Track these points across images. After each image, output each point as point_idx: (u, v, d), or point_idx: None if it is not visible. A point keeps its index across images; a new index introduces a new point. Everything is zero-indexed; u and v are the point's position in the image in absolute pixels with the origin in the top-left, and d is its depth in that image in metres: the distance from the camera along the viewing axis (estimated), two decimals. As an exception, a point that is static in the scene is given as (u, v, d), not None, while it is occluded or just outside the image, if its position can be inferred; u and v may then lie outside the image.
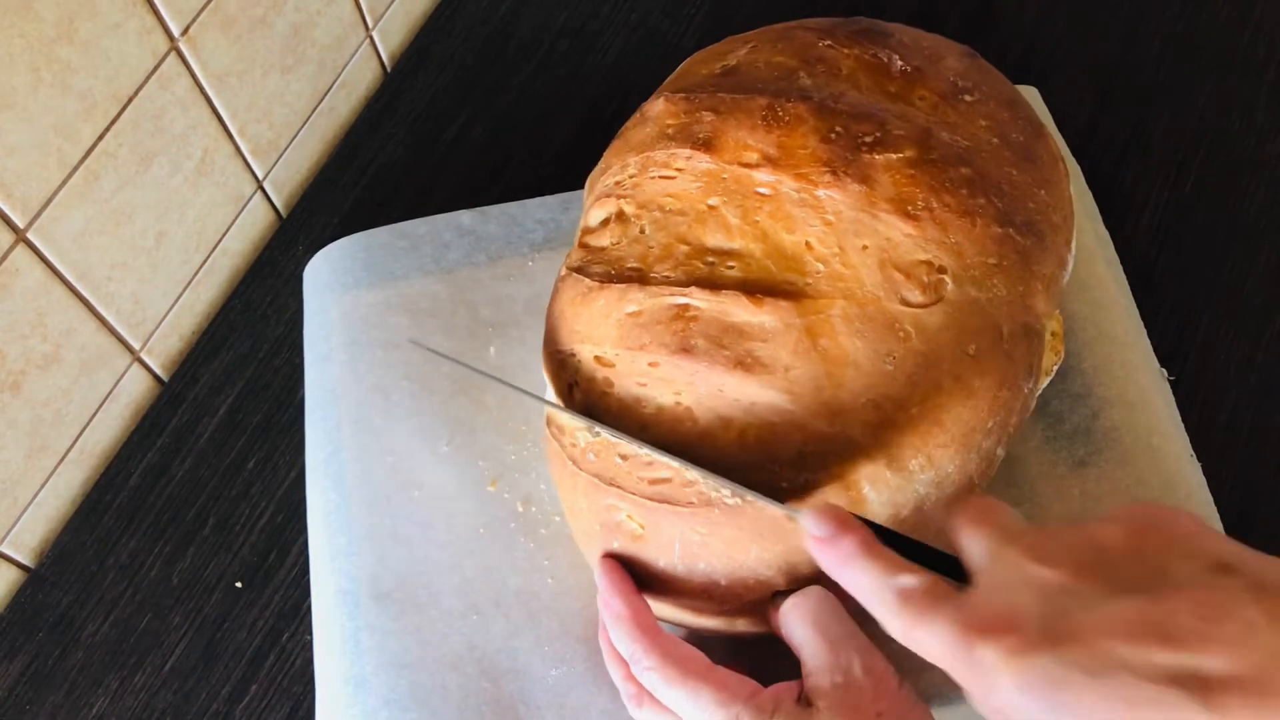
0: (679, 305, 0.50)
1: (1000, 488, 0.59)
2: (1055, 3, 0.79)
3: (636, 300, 0.51)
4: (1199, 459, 0.60)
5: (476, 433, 0.61)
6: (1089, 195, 0.68)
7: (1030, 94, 0.71)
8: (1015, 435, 0.52)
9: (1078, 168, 0.69)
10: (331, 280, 0.66)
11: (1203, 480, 0.59)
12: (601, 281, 0.52)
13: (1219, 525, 0.58)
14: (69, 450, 0.63)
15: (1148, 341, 0.63)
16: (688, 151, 0.53)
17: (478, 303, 0.65)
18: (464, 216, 0.68)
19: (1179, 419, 0.61)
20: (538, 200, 0.68)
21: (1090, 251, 0.65)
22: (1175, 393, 0.62)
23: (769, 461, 0.48)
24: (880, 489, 0.48)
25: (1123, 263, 0.66)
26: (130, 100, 0.58)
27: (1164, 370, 0.63)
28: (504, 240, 0.67)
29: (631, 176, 0.54)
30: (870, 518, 0.48)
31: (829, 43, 0.57)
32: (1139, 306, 0.64)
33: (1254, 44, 0.76)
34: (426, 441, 0.61)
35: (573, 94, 0.76)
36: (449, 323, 0.65)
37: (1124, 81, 0.75)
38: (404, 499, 0.60)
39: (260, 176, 0.70)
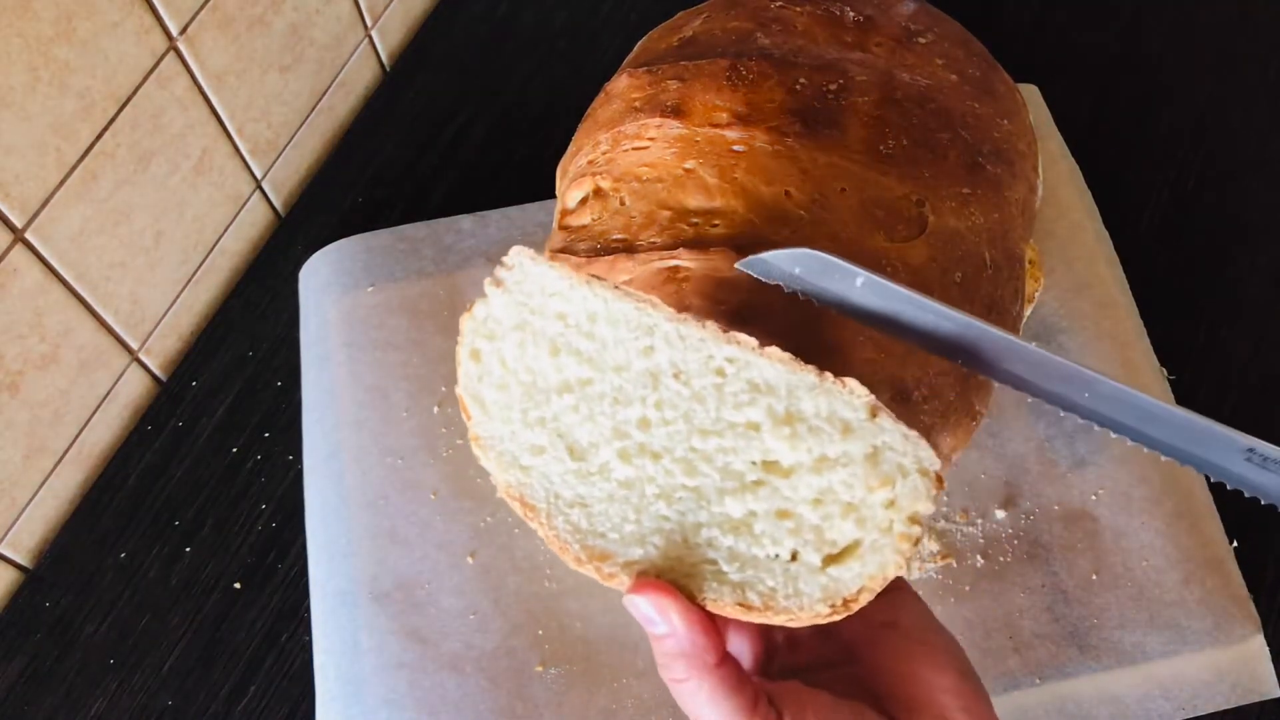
0: (669, 268, 0.50)
1: (1000, 486, 0.59)
2: (1056, 2, 0.79)
3: (626, 269, 0.51)
4: (1199, 459, 0.60)
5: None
6: (1089, 195, 0.68)
7: (1030, 93, 0.71)
8: None
9: (1077, 168, 0.69)
10: (330, 281, 0.66)
11: (1202, 479, 0.59)
12: (589, 256, 0.52)
13: (1218, 525, 0.58)
14: (67, 450, 0.62)
15: (1148, 341, 0.63)
16: (658, 120, 0.53)
17: (477, 303, 0.65)
18: (464, 220, 0.68)
19: (1179, 419, 0.61)
20: (538, 204, 0.69)
21: (1090, 251, 0.65)
22: (1175, 392, 0.62)
23: None
24: None
25: (1123, 263, 0.66)
26: (128, 100, 0.57)
27: (1164, 370, 0.63)
28: (504, 243, 0.67)
29: (604, 153, 0.55)
30: None
31: (781, 3, 0.58)
32: (1139, 306, 0.64)
33: (1254, 44, 0.76)
34: (425, 442, 0.61)
35: (573, 94, 0.76)
36: (449, 324, 0.64)
37: (1124, 81, 0.75)
38: (403, 499, 0.60)
39: (259, 176, 0.70)
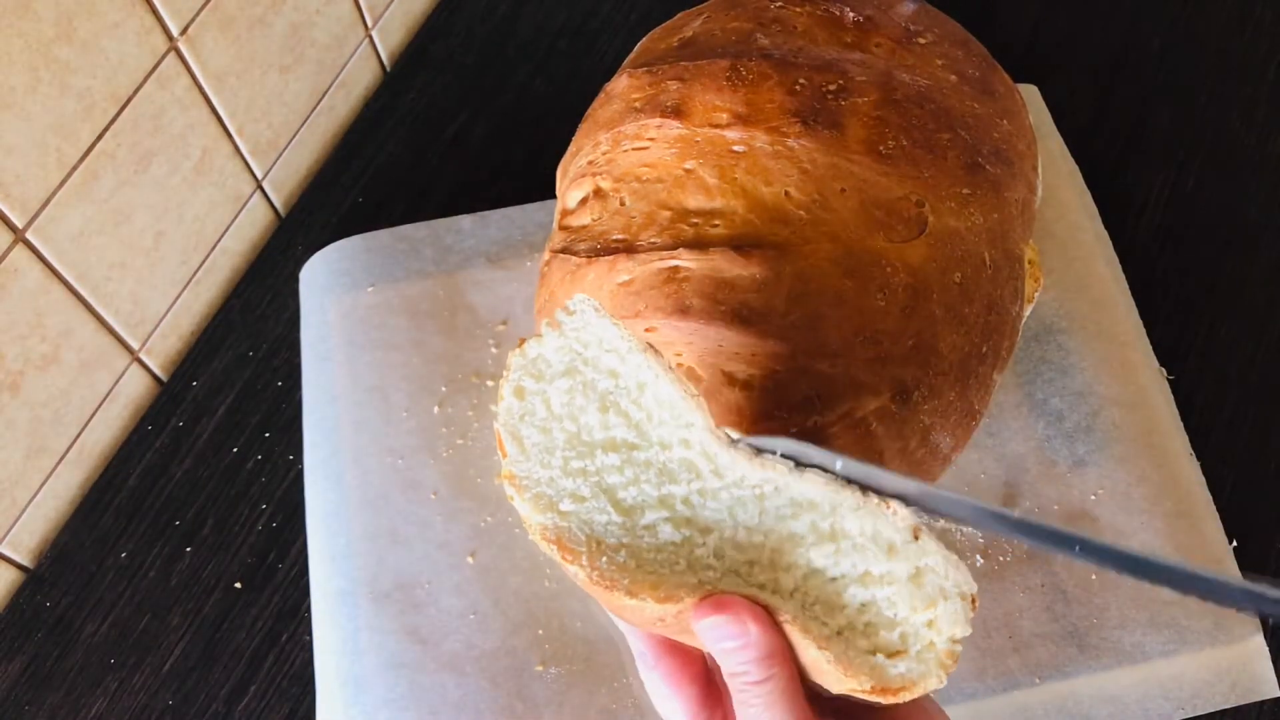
0: (669, 268, 0.50)
1: (1000, 486, 0.59)
2: (1056, 2, 0.79)
3: (626, 269, 0.51)
4: (1199, 459, 0.60)
5: (475, 434, 0.61)
6: (1088, 195, 0.68)
7: (1030, 93, 0.71)
8: (1008, 360, 0.53)
9: (1077, 168, 0.69)
10: (330, 281, 0.66)
11: (1202, 479, 0.59)
12: (589, 256, 0.52)
13: (1218, 525, 0.58)
14: (68, 450, 0.62)
15: (1147, 341, 0.63)
16: (658, 120, 0.53)
17: (478, 305, 0.65)
18: (464, 220, 0.68)
19: (1178, 418, 0.61)
20: (538, 204, 0.69)
21: (1090, 251, 0.65)
22: (1175, 392, 0.62)
23: (777, 409, 0.48)
24: (887, 423, 0.48)
25: (1123, 263, 0.66)
26: (129, 100, 0.58)
27: (1164, 370, 0.63)
28: (504, 243, 0.67)
29: (604, 153, 0.55)
30: (880, 452, 0.47)
31: (781, 4, 0.58)
32: (1139, 306, 0.64)
33: (1254, 44, 0.76)
34: (425, 442, 0.61)
35: (573, 94, 0.76)
36: (449, 324, 0.64)
37: (1124, 81, 0.75)
38: (403, 499, 0.60)
39: (259, 176, 0.70)
